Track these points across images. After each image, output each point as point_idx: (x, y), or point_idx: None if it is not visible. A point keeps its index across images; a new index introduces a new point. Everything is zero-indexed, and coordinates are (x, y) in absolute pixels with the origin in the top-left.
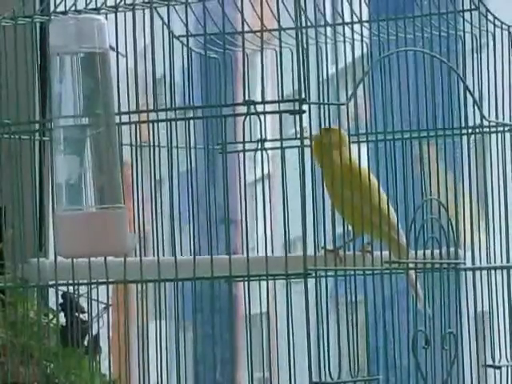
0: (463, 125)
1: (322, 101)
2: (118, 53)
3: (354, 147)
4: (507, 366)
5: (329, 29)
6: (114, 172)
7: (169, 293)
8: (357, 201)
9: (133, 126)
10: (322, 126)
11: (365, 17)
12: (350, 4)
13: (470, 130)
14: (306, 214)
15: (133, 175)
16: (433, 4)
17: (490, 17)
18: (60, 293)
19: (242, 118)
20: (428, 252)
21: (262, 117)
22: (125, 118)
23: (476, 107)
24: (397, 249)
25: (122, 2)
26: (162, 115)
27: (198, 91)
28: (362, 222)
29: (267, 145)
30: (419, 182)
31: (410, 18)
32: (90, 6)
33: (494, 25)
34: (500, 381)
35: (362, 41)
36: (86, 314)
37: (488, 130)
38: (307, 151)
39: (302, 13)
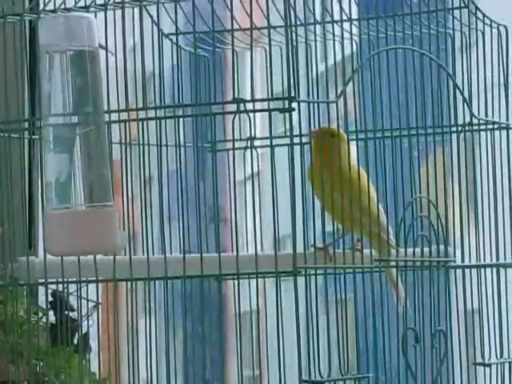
0: (453, 123)
1: (311, 99)
2: (107, 51)
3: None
4: (497, 364)
5: (318, 27)
6: (104, 170)
7: (158, 291)
8: (346, 203)
9: (122, 124)
10: (321, 126)
11: (354, 15)
12: (340, 2)
13: (459, 128)
14: (296, 211)
15: (122, 173)
16: (422, 2)
17: (480, 15)
18: (50, 291)
19: (232, 116)
20: (418, 250)
21: (251, 115)
22: (114, 116)
23: (465, 105)
24: (386, 247)
25: (112, 0)
26: (152, 113)
27: (187, 89)
28: (351, 222)
29: (257, 143)
30: (409, 180)
31: (399, 16)
32: (79, 4)
33: (484, 23)
34: (490, 379)
35: (351, 39)
36: (76, 313)
37: (477, 127)
38: (297, 149)
39: (292, 11)
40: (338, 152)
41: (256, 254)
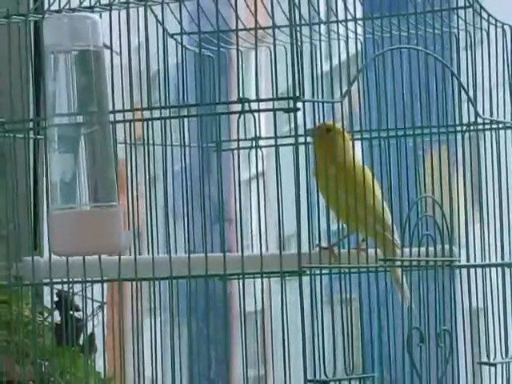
0: (457, 122)
1: (316, 98)
2: (112, 51)
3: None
4: (502, 364)
5: (323, 26)
6: (109, 170)
7: (163, 291)
8: (351, 201)
9: (127, 124)
10: (322, 123)
11: (359, 14)
12: (344, 2)
13: (464, 128)
14: (301, 211)
15: (127, 173)
16: (427, 1)
17: (484, 14)
18: (55, 291)
19: (237, 115)
20: (423, 249)
21: (256, 115)
22: (119, 116)
23: (470, 104)
24: (391, 247)
25: (116, 0)
26: (157, 113)
27: (192, 89)
28: (356, 221)
29: (261, 143)
30: (414, 180)
31: (404, 16)
32: (83, 4)
33: (488, 22)
34: (495, 378)
35: (356, 38)
36: (81, 313)
37: (482, 127)
38: (302, 149)
39: (296, 10)
40: (335, 146)
41: (261, 253)
